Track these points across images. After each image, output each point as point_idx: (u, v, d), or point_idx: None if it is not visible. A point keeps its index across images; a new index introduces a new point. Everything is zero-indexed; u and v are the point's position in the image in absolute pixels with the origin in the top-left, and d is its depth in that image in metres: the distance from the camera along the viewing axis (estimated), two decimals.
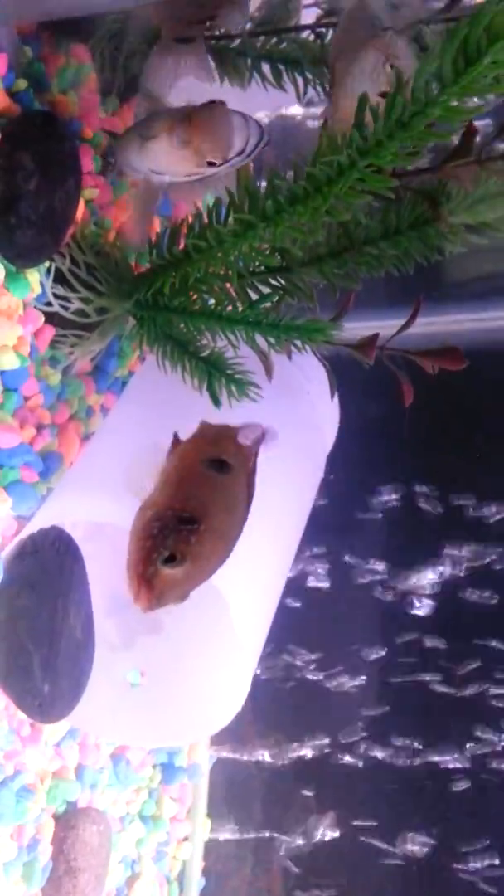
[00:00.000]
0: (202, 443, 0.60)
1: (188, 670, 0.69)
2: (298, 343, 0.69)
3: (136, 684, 0.74)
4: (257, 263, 0.70)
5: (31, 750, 0.68)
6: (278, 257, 0.71)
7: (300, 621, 1.01)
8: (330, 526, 1.00)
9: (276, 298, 0.69)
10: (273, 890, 1.07)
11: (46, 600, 0.66)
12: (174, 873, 0.94)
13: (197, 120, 0.66)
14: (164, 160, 0.69)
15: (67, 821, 0.73)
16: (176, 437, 0.61)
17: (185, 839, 0.96)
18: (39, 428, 0.70)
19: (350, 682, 1.01)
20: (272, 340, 0.68)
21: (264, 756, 1.04)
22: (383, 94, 0.59)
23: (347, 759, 1.02)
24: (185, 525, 0.53)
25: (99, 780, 0.81)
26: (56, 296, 0.71)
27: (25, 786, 0.68)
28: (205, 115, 0.67)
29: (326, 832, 1.00)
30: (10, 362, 0.66)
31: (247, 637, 0.61)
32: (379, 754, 1.01)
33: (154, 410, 0.77)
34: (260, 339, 0.71)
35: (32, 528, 0.66)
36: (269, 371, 0.73)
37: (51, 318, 0.72)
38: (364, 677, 1.02)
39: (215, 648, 0.64)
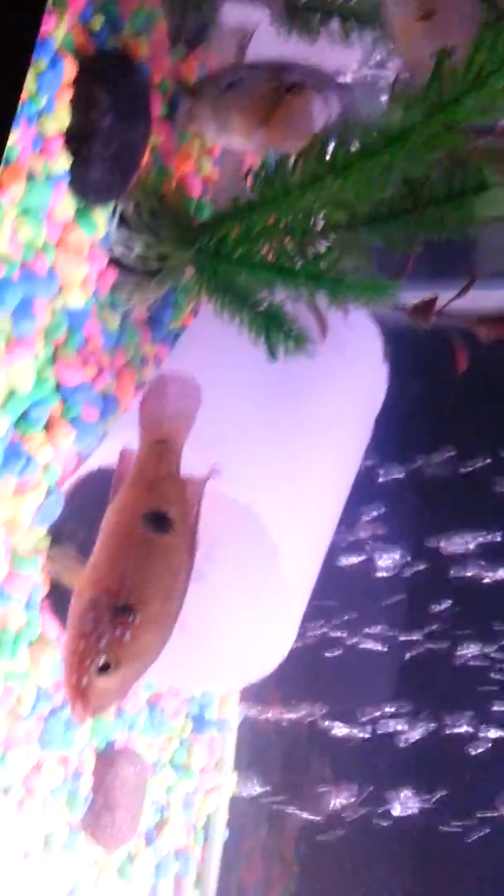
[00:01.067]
0: (141, 490, 0.56)
1: (235, 615, 0.70)
2: (354, 303, 0.69)
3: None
4: (321, 218, 0.71)
5: None
6: (342, 214, 0.71)
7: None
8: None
9: (336, 256, 0.70)
10: (286, 855, 1.09)
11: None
12: (200, 822, 0.96)
13: (276, 120, 0.66)
14: (240, 145, 0.69)
15: (107, 758, 0.75)
16: (124, 453, 0.58)
17: (212, 791, 0.98)
18: (100, 369, 0.71)
19: (380, 648, 1.02)
20: (331, 297, 0.68)
21: (289, 719, 1.05)
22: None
23: (367, 730, 1.03)
24: (120, 617, 0.51)
25: (136, 724, 0.83)
26: (119, 240, 0.72)
27: (70, 718, 0.70)
28: (284, 112, 0.66)
29: (343, 801, 1.01)
30: (76, 301, 0.66)
31: (295, 581, 0.62)
32: (403, 726, 1.02)
33: (206, 363, 0.77)
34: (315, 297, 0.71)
35: (90, 466, 0.68)
36: (323, 330, 0.73)
37: (113, 262, 0.73)
38: (393, 647, 1.03)
39: (264, 593, 0.65)
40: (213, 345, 0.76)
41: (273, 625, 0.64)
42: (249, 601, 0.69)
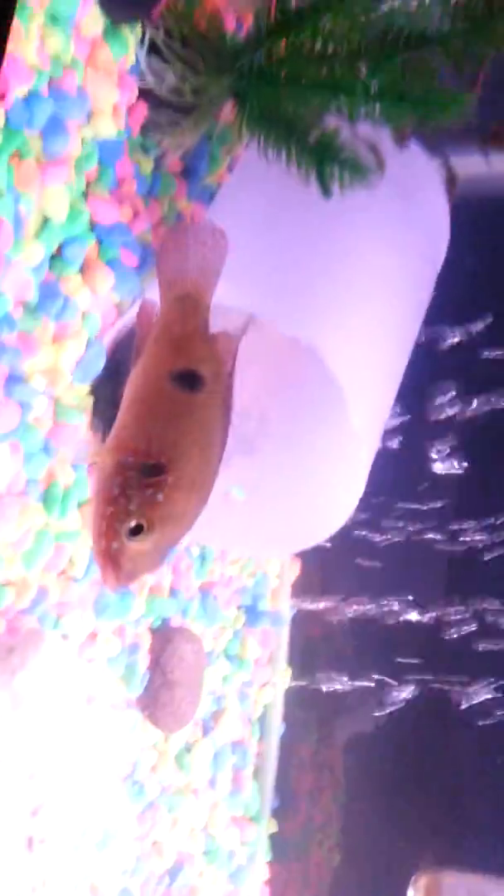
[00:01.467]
0: (167, 348, 0.50)
1: (296, 470, 0.65)
2: (420, 123, 0.62)
3: (242, 497, 0.71)
4: (379, 31, 0.63)
5: None
6: (403, 28, 0.63)
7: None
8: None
9: (398, 73, 0.63)
10: (334, 765, 1.07)
11: None
12: (256, 715, 0.94)
13: None
14: None
15: (164, 635, 0.72)
16: (145, 305, 0.52)
17: (267, 684, 0.95)
18: (135, 213, 0.65)
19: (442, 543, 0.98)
20: (394, 117, 0.61)
21: (344, 616, 1.02)
22: None
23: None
24: (150, 477, 0.45)
25: (189, 610, 0.80)
26: (151, 69, 0.66)
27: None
28: None
29: (400, 700, 0.98)
30: (107, 130, 0.60)
31: (364, 431, 0.57)
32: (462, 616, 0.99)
33: (249, 217, 0.71)
34: (366, 131, 0.65)
35: (130, 320, 0.63)
36: (381, 163, 0.67)
37: (144, 96, 0.67)
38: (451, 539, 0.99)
39: (330, 445, 0.61)
40: (254, 198, 0.69)
41: (339, 477, 0.60)
42: (312, 453, 0.64)
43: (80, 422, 0.60)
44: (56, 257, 0.58)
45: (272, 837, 0.94)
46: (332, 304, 0.58)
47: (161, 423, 0.47)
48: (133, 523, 0.44)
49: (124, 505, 0.44)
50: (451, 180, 0.67)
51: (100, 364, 0.61)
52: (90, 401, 0.63)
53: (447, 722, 0.95)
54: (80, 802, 0.44)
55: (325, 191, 0.63)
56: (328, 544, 0.91)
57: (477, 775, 0.91)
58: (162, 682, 0.71)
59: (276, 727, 0.96)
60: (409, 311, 0.68)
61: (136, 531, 0.44)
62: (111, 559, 0.44)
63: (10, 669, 0.43)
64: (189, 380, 0.48)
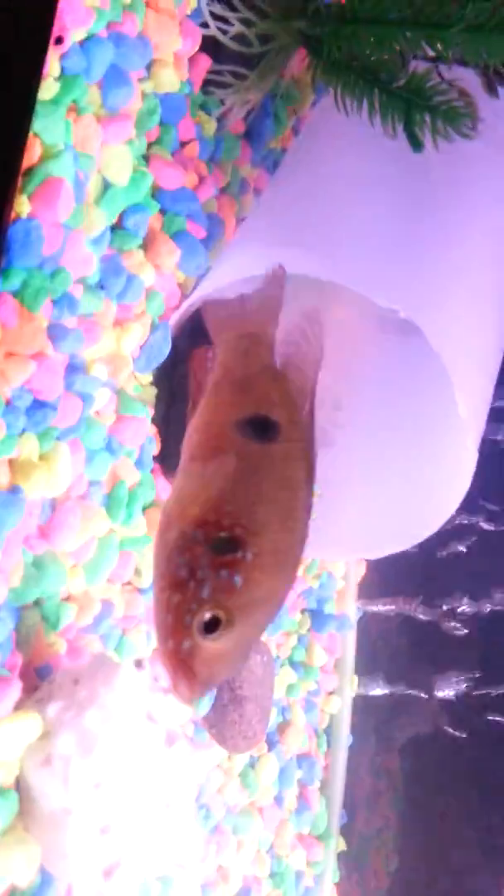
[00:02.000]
0: (230, 393, 0.41)
1: (391, 465, 0.58)
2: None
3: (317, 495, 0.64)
4: None
5: None
6: None
7: None
8: None
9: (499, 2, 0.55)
10: (392, 768, 1.01)
11: None
12: (322, 726, 0.88)
13: None
14: None
15: None
16: (198, 352, 0.43)
17: (334, 692, 0.89)
18: (200, 179, 0.58)
19: None
20: (496, 53, 0.53)
21: (408, 613, 0.95)
22: None
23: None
24: (223, 555, 0.37)
25: None
26: (213, 16, 0.58)
27: None
28: None
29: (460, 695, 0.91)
30: (169, 82, 0.53)
31: (471, 419, 0.49)
32: None
33: (320, 184, 0.64)
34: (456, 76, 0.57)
35: (196, 300, 0.56)
36: (474, 111, 0.59)
37: (206, 45, 0.60)
38: None
39: (430, 434, 0.53)
40: (328, 160, 0.62)
41: (441, 472, 0.52)
42: (408, 445, 0.57)
43: (145, 415, 0.54)
44: (117, 229, 0.52)
45: (340, 856, 0.89)
46: (432, 273, 0.50)
47: (231, 485, 0.38)
48: (207, 616, 0.36)
49: (195, 592, 0.36)
50: None
51: (165, 350, 0.54)
52: (154, 392, 0.57)
53: None
54: (151, 863, 0.38)
55: (415, 143, 0.55)
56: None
57: None
58: (230, 699, 0.65)
59: (344, 738, 0.90)
60: None
61: (212, 626, 0.36)
62: (182, 664, 0.35)
63: (76, 704, 0.37)
64: (261, 428, 0.40)
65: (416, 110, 0.55)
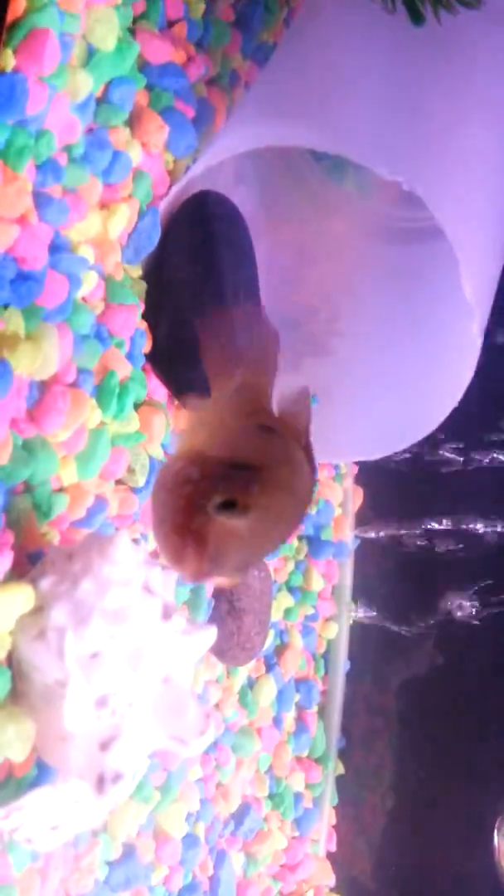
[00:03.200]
0: (237, 405, 0.41)
1: (396, 353, 0.56)
2: None
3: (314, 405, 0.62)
4: None
5: None
6: None
7: None
8: None
9: None
10: (388, 707, 1.01)
11: (210, 274, 0.54)
12: (320, 651, 0.88)
13: None
14: None
15: None
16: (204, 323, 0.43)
17: (331, 618, 0.89)
18: (189, 58, 0.55)
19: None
20: None
21: (406, 537, 0.95)
22: None
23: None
24: (239, 471, 0.36)
25: None
26: None
27: None
28: None
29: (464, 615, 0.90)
30: None
31: (477, 302, 0.47)
32: None
33: (317, 64, 0.60)
34: None
35: (192, 173, 0.53)
36: None
37: None
38: None
39: (433, 318, 0.51)
40: (321, 42, 0.59)
41: (449, 352, 0.50)
42: (414, 342, 0.55)
43: (135, 305, 0.52)
44: (102, 103, 0.49)
45: (339, 780, 0.89)
46: (436, 146, 0.48)
47: (241, 439, 0.38)
48: (222, 499, 0.34)
49: (208, 486, 0.35)
50: None
51: (154, 238, 0.52)
52: (143, 287, 0.54)
53: None
54: (150, 737, 0.37)
55: (416, 16, 0.52)
56: (398, 468, 0.83)
57: None
58: (228, 610, 0.64)
59: (342, 664, 0.89)
60: None
61: (228, 507, 0.35)
62: (192, 533, 0.34)
63: (70, 578, 0.36)
64: (266, 429, 0.40)
65: None
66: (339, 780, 0.89)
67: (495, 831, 0.78)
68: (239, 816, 0.75)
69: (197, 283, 0.51)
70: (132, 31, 0.51)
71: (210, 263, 0.52)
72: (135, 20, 0.51)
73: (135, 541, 0.38)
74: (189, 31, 0.56)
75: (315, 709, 0.86)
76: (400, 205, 0.66)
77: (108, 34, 0.46)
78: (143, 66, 0.51)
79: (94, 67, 0.46)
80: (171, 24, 0.55)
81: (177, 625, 0.36)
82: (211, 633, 0.38)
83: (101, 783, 0.33)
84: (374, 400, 0.58)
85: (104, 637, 0.35)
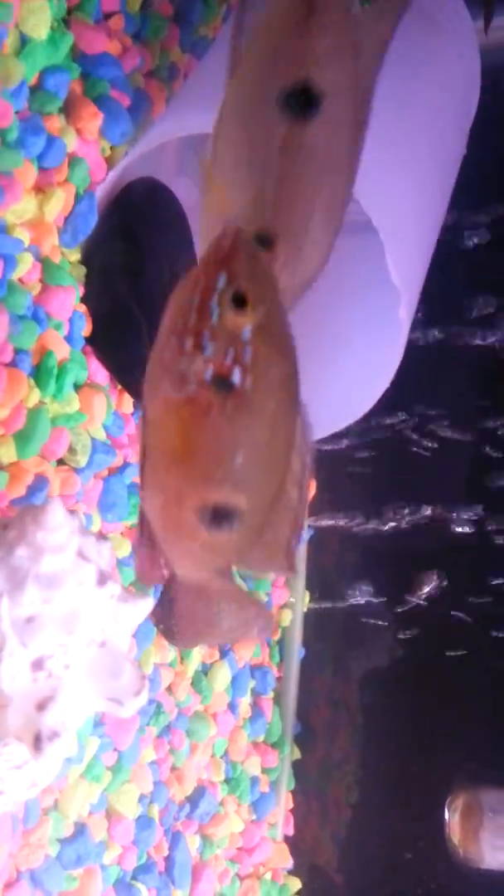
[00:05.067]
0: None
1: (326, 341, 0.58)
2: None
3: None
4: None
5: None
6: None
7: None
8: None
9: None
10: (350, 701, 1.03)
11: (151, 258, 0.55)
12: (275, 638, 0.89)
13: None
14: None
15: None
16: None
17: (285, 606, 0.90)
18: (125, 49, 0.56)
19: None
20: None
21: (359, 526, 0.97)
22: None
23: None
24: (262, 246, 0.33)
25: None
26: None
27: (135, 482, 0.60)
28: None
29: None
30: None
31: (405, 287, 0.49)
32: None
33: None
34: None
35: (127, 160, 0.54)
36: None
37: None
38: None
39: (360, 305, 0.53)
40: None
41: (374, 347, 0.52)
42: (337, 320, 0.57)
43: (73, 287, 0.53)
44: (36, 90, 0.50)
45: (295, 765, 0.90)
46: (368, 146, 0.50)
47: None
48: (236, 290, 0.32)
49: (226, 263, 0.32)
50: (488, 12, 0.59)
51: (91, 222, 0.53)
52: (82, 271, 0.55)
53: (474, 634, 0.90)
54: (87, 699, 0.38)
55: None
56: (351, 457, 0.85)
57: None
58: (177, 592, 0.65)
59: (296, 650, 0.91)
60: (444, 159, 0.60)
61: (241, 303, 0.32)
62: (209, 331, 0.31)
63: (5, 545, 0.36)
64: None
65: None
66: (297, 766, 0.91)
67: (445, 808, 0.80)
68: (194, 799, 0.76)
69: (134, 267, 0.53)
70: (66, 22, 0.52)
71: (147, 248, 0.54)
72: (70, 11, 0.53)
73: (71, 511, 0.39)
74: (125, 24, 0.58)
75: (271, 695, 0.87)
76: None
77: (40, 24, 0.47)
78: (77, 56, 0.53)
79: (26, 56, 0.47)
80: (107, 16, 0.56)
81: (112, 590, 0.38)
82: (147, 603, 0.39)
83: (38, 741, 0.34)
84: (308, 383, 0.59)
85: (39, 602, 0.36)
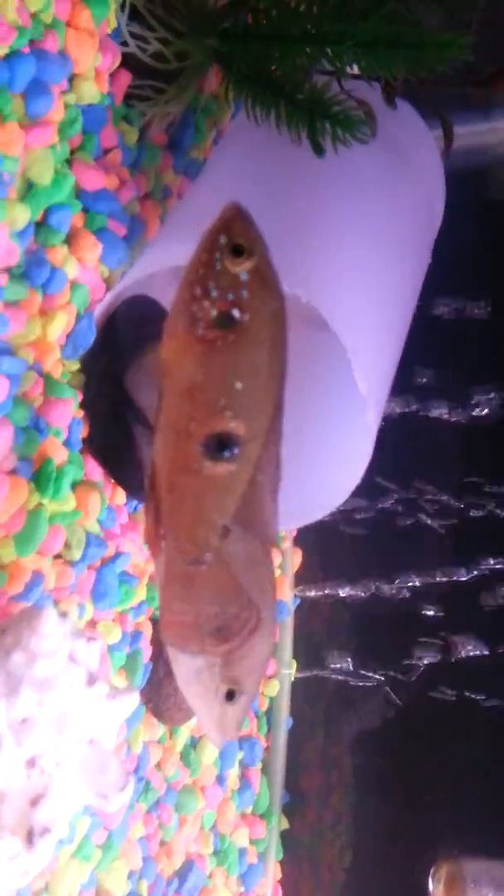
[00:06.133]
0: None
1: (300, 440, 0.63)
2: (415, 69, 0.60)
3: None
4: None
5: (130, 535, 0.63)
6: None
7: None
8: None
9: (385, 22, 0.61)
10: (342, 763, 1.04)
11: (146, 376, 0.60)
12: (263, 708, 0.91)
13: None
14: None
15: None
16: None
17: (272, 676, 0.93)
18: (122, 182, 0.62)
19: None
20: (386, 65, 0.59)
21: (349, 596, 0.99)
22: None
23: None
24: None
25: None
26: (132, 35, 0.63)
27: (126, 571, 0.64)
28: None
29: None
30: (90, 94, 0.58)
31: (371, 395, 0.54)
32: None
33: (234, 184, 0.69)
34: (356, 88, 0.63)
35: (119, 292, 0.60)
36: (372, 119, 0.65)
37: (128, 62, 0.65)
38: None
39: (331, 410, 0.58)
40: (243, 164, 0.67)
41: (344, 443, 0.57)
42: (310, 421, 0.61)
43: (73, 398, 0.58)
44: (41, 226, 0.56)
45: (283, 835, 0.92)
46: (331, 262, 0.56)
47: None
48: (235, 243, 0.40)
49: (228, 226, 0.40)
50: (448, 135, 0.65)
51: (90, 338, 0.58)
52: (82, 379, 0.60)
53: (458, 709, 0.92)
54: (77, 794, 0.42)
55: (317, 148, 0.60)
56: (337, 528, 0.88)
57: (494, 762, 0.88)
58: (166, 673, 0.68)
59: (284, 720, 0.93)
60: (408, 271, 0.66)
61: (238, 252, 0.40)
62: (213, 280, 0.39)
63: (3, 651, 0.40)
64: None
65: (316, 119, 0.61)
66: (285, 835, 0.92)
67: (430, 878, 0.81)
68: (183, 873, 0.78)
69: (128, 375, 0.58)
70: (69, 163, 0.58)
71: (140, 359, 0.59)
72: (72, 152, 0.59)
73: (62, 614, 0.43)
74: (124, 157, 0.64)
75: (259, 765, 0.89)
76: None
77: (44, 171, 0.53)
78: (79, 192, 0.59)
79: (32, 199, 0.53)
80: (106, 151, 0.62)
81: (100, 690, 0.41)
82: (133, 698, 0.43)
83: (30, 837, 0.37)
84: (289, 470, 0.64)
85: (33, 704, 0.39)
